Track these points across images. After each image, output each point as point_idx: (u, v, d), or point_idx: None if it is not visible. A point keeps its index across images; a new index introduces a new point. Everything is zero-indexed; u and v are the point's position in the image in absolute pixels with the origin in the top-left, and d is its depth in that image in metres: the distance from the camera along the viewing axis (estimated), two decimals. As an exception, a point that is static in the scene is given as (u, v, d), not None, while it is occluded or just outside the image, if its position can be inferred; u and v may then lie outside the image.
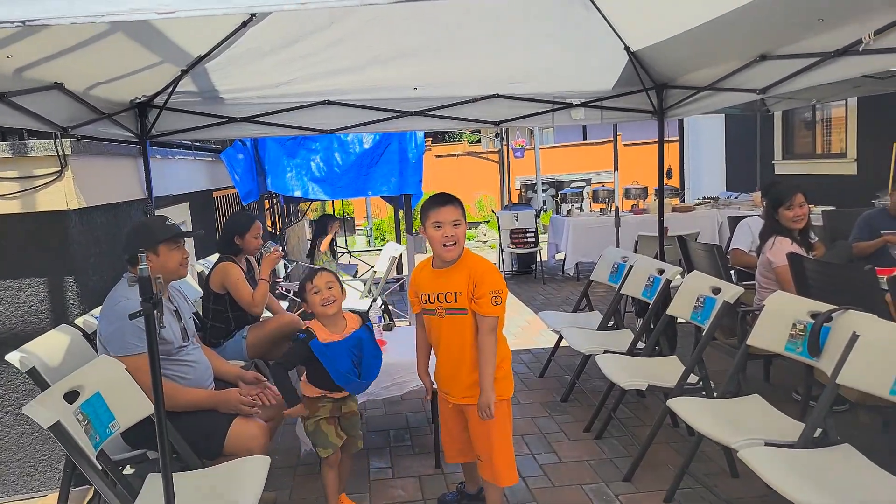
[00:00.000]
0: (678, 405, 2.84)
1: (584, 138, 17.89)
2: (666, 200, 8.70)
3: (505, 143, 13.25)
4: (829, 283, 3.21)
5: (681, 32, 3.41)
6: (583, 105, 4.34)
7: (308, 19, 3.31)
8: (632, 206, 8.63)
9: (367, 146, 5.86)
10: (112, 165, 3.79)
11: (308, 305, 2.69)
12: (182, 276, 2.90)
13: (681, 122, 11.64)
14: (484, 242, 12.80)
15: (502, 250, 8.77)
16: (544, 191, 13.45)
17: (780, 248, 3.72)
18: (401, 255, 5.33)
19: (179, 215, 5.09)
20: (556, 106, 4.33)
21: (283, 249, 5.19)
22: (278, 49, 3.53)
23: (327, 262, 6.18)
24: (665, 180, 4.79)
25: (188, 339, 2.86)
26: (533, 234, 8.60)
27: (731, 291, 3.15)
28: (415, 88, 4.11)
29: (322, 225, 6.56)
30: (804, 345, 2.68)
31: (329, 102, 4.09)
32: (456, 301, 2.44)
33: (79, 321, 3.10)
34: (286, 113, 4.11)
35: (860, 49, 2.56)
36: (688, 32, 3.37)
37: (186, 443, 2.59)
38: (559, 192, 10.29)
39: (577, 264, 8.16)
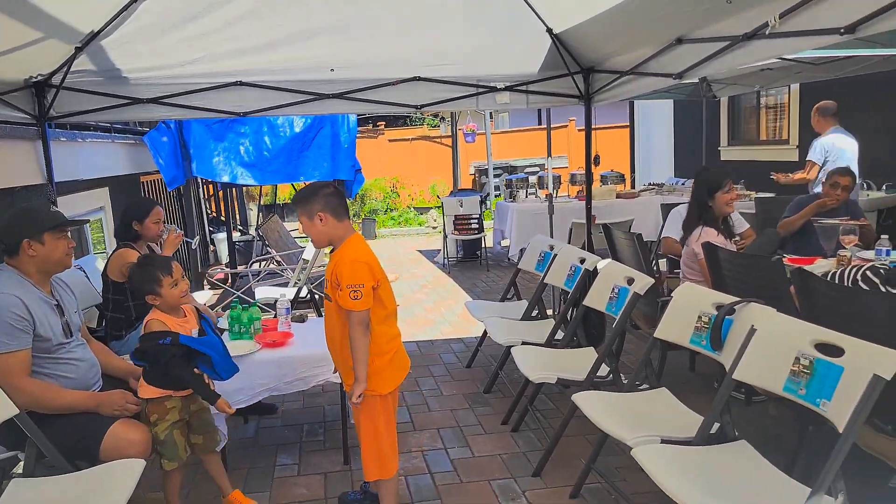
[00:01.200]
0: (582, 399, 2.76)
1: (540, 123, 17.83)
2: (610, 187, 8.73)
3: (458, 127, 13.10)
4: (740, 274, 3.17)
5: (600, 13, 3.31)
6: (508, 89, 4.22)
7: (203, -6, 3.12)
8: (577, 192, 8.58)
9: (298, 130, 5.67)
10: (2, 148, 3.55)
11: (160, 300, 2.53)
12: (67, 267, 2.72)
13: (631, 106, 11.65)
14: (434, 228, 12.67)
15: (446, 236, 8.66)
16: (497, 176, 13.35)
17: (707, 238, 3.68)
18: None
19: (95, 201, 4.85)
20: (481, 90, 4.20)
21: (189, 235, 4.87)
22: (178, 25, 3.33)
23: None
24: (593, 167, 4.70)
25: (71, 336, 2.67)
26: (477, 221, 8.50)
27: (642, 282, 3.09)
28: (332, 70, 3.94)
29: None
30: (708, 338, 2.63)
31: (241, 83, 3.89)
32: (327, 287, 2.45)
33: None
34: (196, 94, 3.90)
35: (767, 32, 2.48)
36: (607, 14, 3.27)
37: (63, 446, 2.43)
38: (506, 178, 10.19)
39: (521, 251, 8.08)
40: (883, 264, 2.40)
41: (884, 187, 6.25)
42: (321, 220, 2.39)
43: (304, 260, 5.00)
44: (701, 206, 3.86)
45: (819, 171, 5.68)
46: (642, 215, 7.62)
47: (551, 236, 6.38)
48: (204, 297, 4.82)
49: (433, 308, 6.57)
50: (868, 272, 2.31)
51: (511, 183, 9.37)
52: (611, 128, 15.54)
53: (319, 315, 5.20)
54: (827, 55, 5.31)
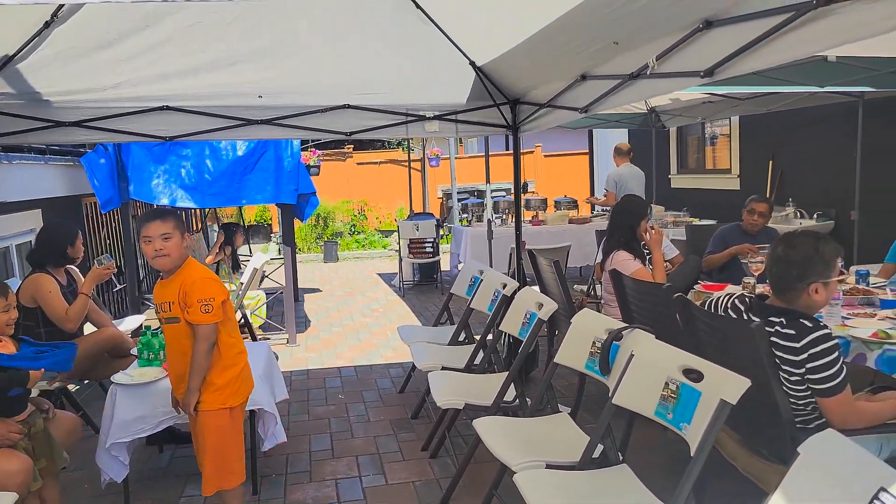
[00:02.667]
0: (481, 425, 2.80)
1: (507, 148, 18.08)
2: (563, 212, 8.88)
3: (422, 152, 13.22)
4: (641, 301, 3.26)
5: (511, 49, 3.41)
6: (437, 118, 4.31)
7: (120, 19, 3.16)
8: (531, 216, 8.70)
9: (240, 153, 5.69)
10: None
11: None
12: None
13: (590, 134, 11.89)
14: (396, 251, 12.69)
15: (401, 260, 8.70)
16: (461, 200, 13.47)
17: (623, 260, 3.78)
18: (263, 265, 5.18)
19: (26, 223, 4.81)
20: (410, 118, 4.28)
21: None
22: (95, 50, 3.36)
23: (224, 276, 5.96)
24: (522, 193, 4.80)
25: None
26: (432, 244, 8.57)
27: (548, 307, 3.16)
28: (260, 97, 3.99)
29: (227, 234, 6.33)
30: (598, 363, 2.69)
31: (168, 108, 3.92)
32: (170, 310, 2.52)
33: None
34: (121, 118, 3.91)
35: (647, 73, 2.60)
36: (517, 50, 3.38)
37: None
38: (461, 203, 10.30)
39: (473, 275, 8.15)
40: (750, 294, 2.49)
41: (815, 216, 6.45)
42: (184, 240, 2.54)
43: (240, 283, 5.00)
44: (625, 231, 3.96)
45: (614, 198, 6.73)
46: (593, 240, 7.75)
47: (490, 261, 6.47)
48: (138, 321, 4.79)
49: (380, 332, 6.59)
50: (736, 300, 2.39)
51: (467, 208, 9.48)
52: (574, 154, 15.82)
53: (253, 339, 5.20)
54: (757, 91, 5.52)
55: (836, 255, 2.19)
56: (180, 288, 2.49)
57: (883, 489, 1.32)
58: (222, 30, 3.40)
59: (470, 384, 3.43)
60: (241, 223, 14.20)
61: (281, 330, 6.15)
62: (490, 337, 3.78)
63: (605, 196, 7.29)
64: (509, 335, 4.20)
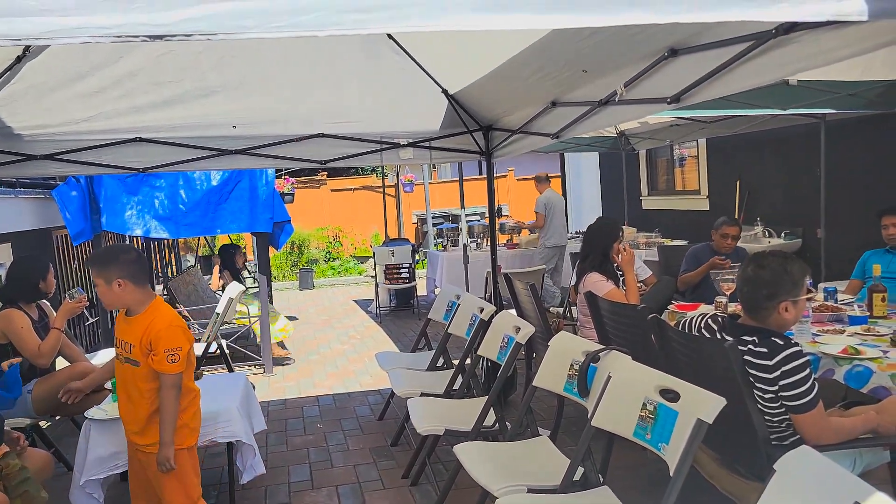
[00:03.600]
0: (462, 451, 2.79)
1: (481, 173, 18.25)
2: (537, 235, 8.96)
3: (396, 178, 13.28)
4: (616, 323, 3.30)
5: (483, 76, 3.48)
6: (411, 145, 4.35)
7: (92, 52, 3.15)
8: (506, 240, 8.77)
9: (215, 183, 5.67)
10: None
11: None
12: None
13: (562, 158, 12.07)
14: (372, 277, 12.66)
15: (378, 286, 8.69)
16: (436, 225, 13.53)
17: (595, 281, 3.83)
18: (239, 295, 5.13)
19: (-4, 257, 4.72)
20: (384, 146, 4.32)
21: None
22: (66, 84, 3.34)
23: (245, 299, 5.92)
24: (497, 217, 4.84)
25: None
26: (408, 270, 8.57)
27: (525, 330, 3.18)
28: (234, 127, 4.00)
29: (225, 257, 6.24)
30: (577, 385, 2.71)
31: (141, 140, 3.91)
32: (131, 352, 2.49)
33: None
34: (93, 150, 3.89)
35: (616, 99, 2.67)
36: (489, 78, 3.45)
37: None
38: (436, 228, 10.35)
39: (450, 299, 8.16)
40: (722, 314, 2.54)
41: (782, 234, 6.61)
42: (119, 285, 2.44)
43: (216, 314, 4.94)
44: (597, 253, 4.01)
45: (545, 219, 7.87)
46: (565, 263, 7.85)
47: (466, 286, 6.50)
48: (111, 354, 4.69)
49: (357, 359, 6.55)
50: (709, 320, 2.44)
51: (442, 232, 9.53)
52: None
53: (230, 370, 5.13)
54: (722, 114, 5.67)
55: (804, 274, 2.25)
56: (145, 333, 2.43)
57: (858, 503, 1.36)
58: (193, 59, 3.41)
59: (449, 410, 3.42)
60: (212, 252, 14.12)
61: (257, 359, 6.08)
62: (468, 361, 3.79)
63: (536, 221, 8.05)
64: (488, 359, 4.21)
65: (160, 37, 0.88)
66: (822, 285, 4.00)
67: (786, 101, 4.66)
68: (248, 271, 6.48)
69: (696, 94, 2.21)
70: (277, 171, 9.91)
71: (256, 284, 6.44)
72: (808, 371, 2.12)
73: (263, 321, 5.95)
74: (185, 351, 2.46)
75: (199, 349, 4.94)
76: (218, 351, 4.91)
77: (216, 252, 6.87)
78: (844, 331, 3.11)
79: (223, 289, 6.09)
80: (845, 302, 3.64)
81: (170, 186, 5.59)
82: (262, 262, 6.27)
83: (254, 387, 3.89)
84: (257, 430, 3.52)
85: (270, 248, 11.14)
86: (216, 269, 6.18)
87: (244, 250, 6.48)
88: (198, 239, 13.91)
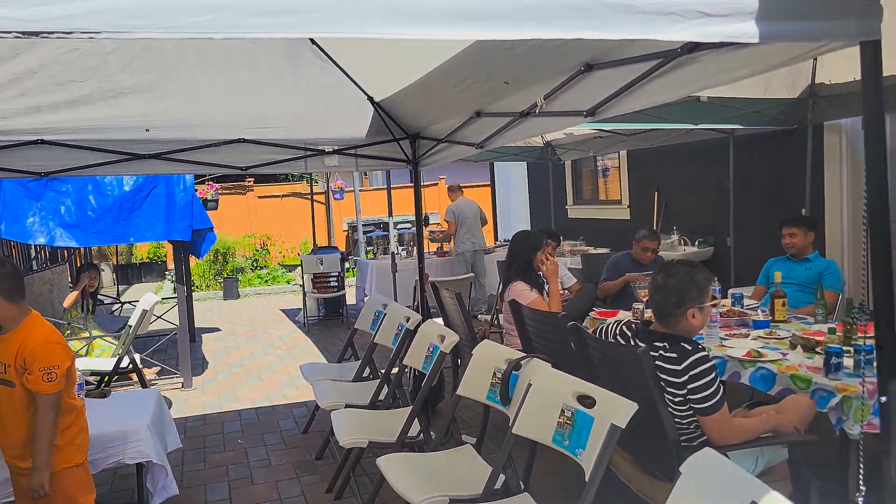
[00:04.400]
0: (385, 463, 2.76)
1: (412, 180, 18.22)
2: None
3: (326, 185, 13.10)
4: (539, 330, 3.36)
5: (409, 85, 3.48)
6: (337, 152, 4.30)
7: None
8: (435, 248, 8.79)
9: (127, 189, 5.41)
10: None
11: None
12: None
13: (491, 167, 12.23)
14: (300, 286, 12.43)
15: (305, 295, 8.53)
16: (367, 232, 13.42)
17: (520, 290, 3.87)
18: (154, 306, 4.91)
19: None
20: (309, 153, 4.25)
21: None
22: (-41, 82, 3.11)
23: (74, 319, 5.54)
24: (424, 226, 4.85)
25: None
26: (336, 278, 8.46)
27: (449, 340, 3.19)
28: (147, 130, 3.83)
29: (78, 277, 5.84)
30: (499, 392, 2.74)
31: (43, 142, 3.68)
32: (6, 373, 2.37)
33: None
34: (-11, 153, 3.64)
35: (536, 111, 2.72)
36: (414, 87, 3.45)
37: None
38: (367, 235, 10.28)
39: (378, 308, 8.09)
40: (637, 320, 2.63)
41: (696, 243, 6.92)
42: None
43: (128, 325, 4.71)
44: (522, 262, 4.06)
45: (455, 227, 8.11)
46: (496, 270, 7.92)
47: (395, 294, 6.47)
48: None
49: (283, 370, 6.39)
50: (624, 327, 2.52)
51: (371, 240, 9.45)
52: (477, 186, 16.19)
53: (145, 386, 4.90)
54: (639, 128, 5.89)
55: (709, 281, 2.36)
56: (19, 351, 2.31)
57: (754, 503, 1.42)
58: (101, 59, 3.24)
59: (374, 421, 3.38)
60: (128, 262, 13.45)
61: (175, 374, 5.83)
62: (394, 372, 3.76)
63: (447, 228, 8.34)
64: (415, 369, 4.19)
65: (35, 33, 0.82)
66: (731, 291, 4.20)
67: (698, 117, 4.89)
68: (96, 298, 5.97)
69: (610, 108, 2.28)
70: (201, 176, 9.59)
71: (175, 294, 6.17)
72: (713, 375, 2.22)
73: (182, 332, 5.72)
74: (63, 369, 2.34)
75: (109, 364, 4.70)
76: (130, 366, 4.67)
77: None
78: (749, 335, 3.27)
79: (83, 307, 5.72)
80: (750, 307, 3.84)
81: (77, 192, 5.29)
82: (179, 272, 6.02)
83: (170, 402, 3.73)
84: (171, 448, 3.38)
85: (192, 257, 10.75)
86: (80, 286, 5.69)
87: (100, 272, 6.06)
88: (116, 247, 13.28)
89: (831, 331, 3.00)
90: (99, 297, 6.34)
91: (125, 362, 4.58)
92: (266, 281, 13.53)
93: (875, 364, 1.56)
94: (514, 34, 1.20)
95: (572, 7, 1.20)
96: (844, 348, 2.67)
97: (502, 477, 2.48)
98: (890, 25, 1.45)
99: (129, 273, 14.51)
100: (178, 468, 3.94)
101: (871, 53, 1.46)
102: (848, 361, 2.63)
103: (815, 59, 4.42)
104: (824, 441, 2.57)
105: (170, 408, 3.60)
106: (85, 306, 5.69)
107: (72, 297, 5.53)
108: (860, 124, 5.32)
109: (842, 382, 2.51)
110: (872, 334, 1.54)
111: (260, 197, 15.83)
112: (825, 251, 5.54)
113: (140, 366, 4.85)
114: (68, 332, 5.36)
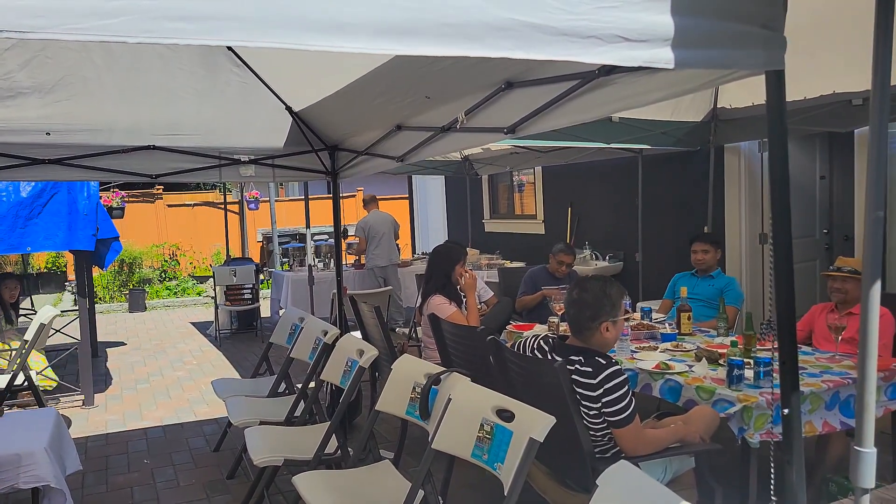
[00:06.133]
0: (301, 481, 2.68)
1: (329, 191, 17.96)
2: (385, 256, 8.98)
3: (240, 195, 12.71)
4: (458, 345, 3.38)
5: (328, 96, 3.44)
6: (252, 162, 4.18)
7: None
8: (353, 261, 8.70)
9: (24, 195, 5.04)
10: None
11: None
12: None
13: (409, 180, 12.25)
14: (212, 298, 11.97)
15: (217, 307, 8.22)
16: (282, 244, 13.11)
17: (439, 304, 3.89)
18: (52, 319, 4.58)
19: None
20: (224, 161, 4.11)
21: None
22: None
23: None
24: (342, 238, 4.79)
25: None
26: (250, 290, 8.20)
27: (368, 354, 3.15)
28: (47, 133, 3.59)
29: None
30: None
31: (-76, 144, 3.39)
32: None
33: None
34: None
35: (458, 126, 2.75)
36: (334, 98, 3.41)
37: None
38: (282, 247, 10.05)
39: (295, 321, 7.91)
40: (553, 334, 2.69)
41: (607, 257, 7.19)
42: None
43: (24, 341, 4.37)
44: (441, 276, 4.08)
45: (366, 242, 7.98)
46: (413, 283, 7.92)
47: (311, 307, 6.35)
48: None
49: (193, 386, 6.11)
50: (541, 341, 2.58)
51: (288, 252, 9.24)
52: (395, 199, 16.18)
53: (41, 405, 4.55)
54: (554, 145, 6.07)
55: (621, 295, 2.45)
56: None
57: (665, 510, 1.47)
58: (-3, 59, 3.02)
59: (290, 438, 3.28)
60: (24, 272, 12.53)
61: (76, 390, 5.45)
62: (311, 387, 3.67)
63: (359, 242, 8.18)
64: (332, 384, 4.11)
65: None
66: (639, 305, 4.38)
67: (610, 136, 5.10)
68: (17, 309, 5.60)
69: (529, 126, 2.34)
70: (106, 183, 9.09)
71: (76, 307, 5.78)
72: (626, 388, 2.30)
73: (84, 347, 5.36)
74: None
75: (3, 382, 4.34)
76: (26, 383, 4.33)
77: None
78: (657, 347, 3.42)
79: (6, 318, 5.33)
80: (658, 320, 4.02)
81: (-33, 198, 4.89)
82: (81, 283, 5.65)
83: (69, 422, 3.48)
84: (70, 471, 3.15)
85: (95, 268, 10.12)
86: None
87: (15, 282, 5.67)
88: (8, 257, 12.32)
89: (733, 343, 3.18)
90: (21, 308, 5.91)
91: (20, 379, 4.24)
92: (175, 293, 12.95)
93: (777, 376, 1.63)
94: (438, 51, 1.20)
95: (496, 27, 1.22)
96: (745, 360, 2.83)
97: (421, 492, 2.47)
98: (788, 56, 1.55)
99: (26, 284, 13.50)
100: (78, 491, 3.70)
101: (776, 82, 1.56)
102: (749, 373, 2.78)
103: (718, 86, 4.71)
104: (727, 449, 2.71)
105: (69, 427, 3.35)
106: (7, 318, 5.28)
107: None
108: (757, 147, 5.74)
109: (743, 393, 2.66)
110: (775, 347, 1.60)
111: (170, 206, 15.16)
112: (725, 267, 5.89)
113: (36, 384, 4.50)
114: None
